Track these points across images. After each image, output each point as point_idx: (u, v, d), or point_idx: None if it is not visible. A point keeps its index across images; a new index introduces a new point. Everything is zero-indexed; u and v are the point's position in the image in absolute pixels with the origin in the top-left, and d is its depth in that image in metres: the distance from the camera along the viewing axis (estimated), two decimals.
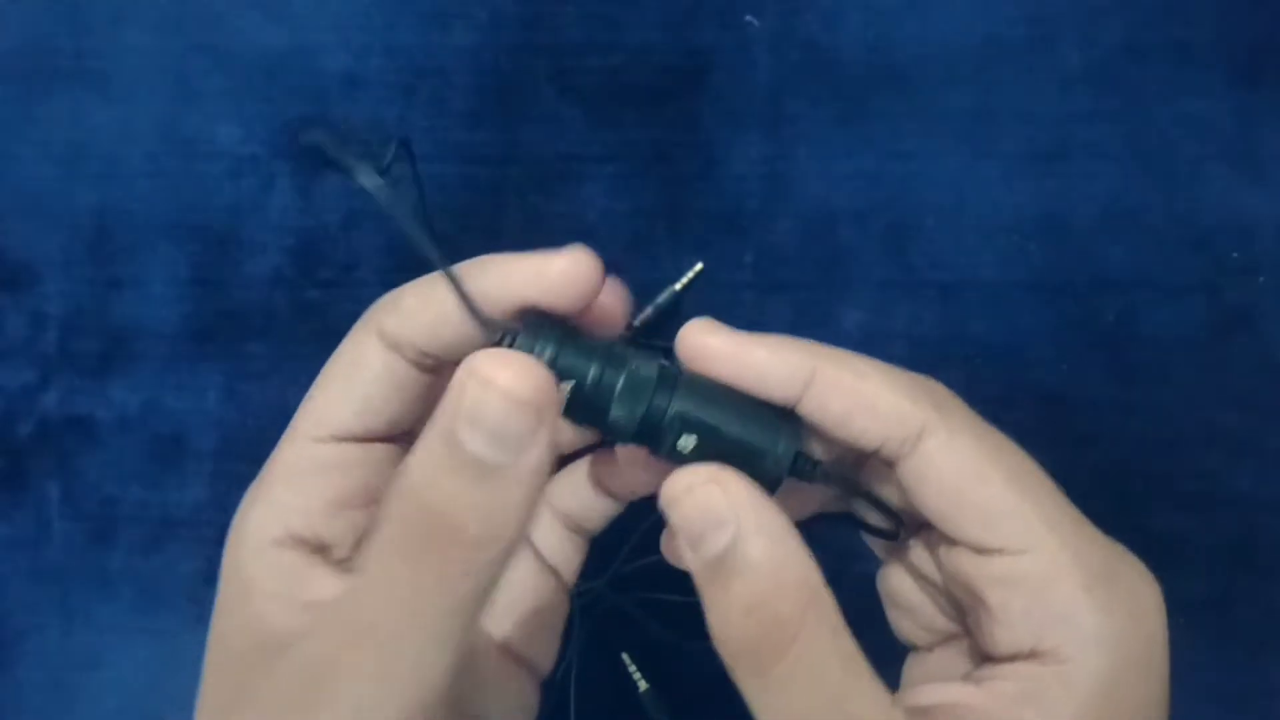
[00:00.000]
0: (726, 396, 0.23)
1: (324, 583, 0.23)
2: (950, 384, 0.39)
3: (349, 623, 0.21)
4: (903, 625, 0.27)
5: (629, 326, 0.39)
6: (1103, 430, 0.39)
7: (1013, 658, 0.22)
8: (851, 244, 0.40)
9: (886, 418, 0.23)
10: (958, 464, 0.23)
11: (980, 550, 0.23)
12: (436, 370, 0.25)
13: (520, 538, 0.21)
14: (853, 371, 0.24)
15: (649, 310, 0.39)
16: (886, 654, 0.25)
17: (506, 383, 0.19)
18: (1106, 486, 0.39)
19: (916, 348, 0.39)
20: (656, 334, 0.40)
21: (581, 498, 0.29)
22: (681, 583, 0.38)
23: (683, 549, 0.22)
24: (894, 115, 0.40)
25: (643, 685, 0.38)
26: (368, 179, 0.22)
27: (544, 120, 0.41)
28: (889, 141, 0.40)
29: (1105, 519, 0.39)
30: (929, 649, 0.26)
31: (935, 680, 0.24)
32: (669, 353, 0.25)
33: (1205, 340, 0.39)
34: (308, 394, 0.25)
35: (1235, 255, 0.39)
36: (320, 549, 0.24)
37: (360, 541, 0.24)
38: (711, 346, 0.24)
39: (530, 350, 0.22)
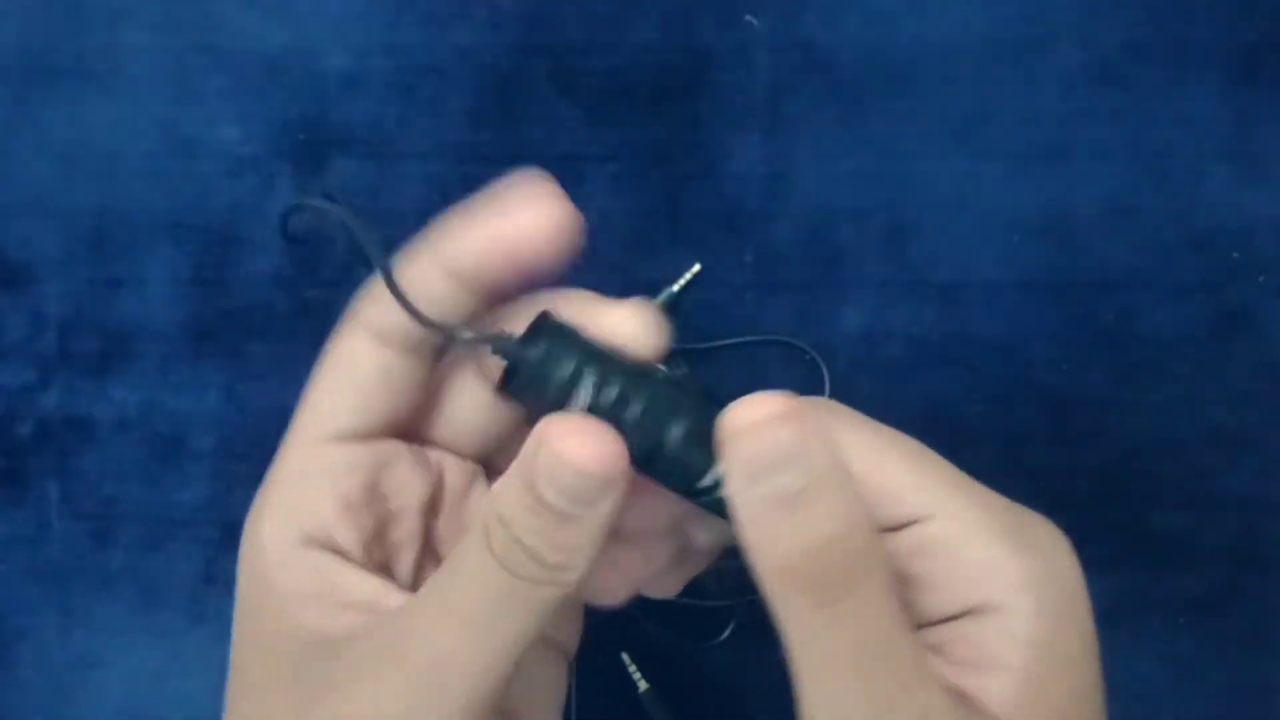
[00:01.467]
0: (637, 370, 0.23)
1: (357, 583, 0.24)
2: (950, 384, 0.39)
3: (437, 608, 0.22)
4: None
5: None
6: (1103, 430, 0.39)
7: (946, 619, 0.23)
8: (851, 244, 0.40)
9: None
10: (852, 456, 0.23)
11: (893, 528, 0.23)
12: (433, 356, 0.25)
13: (588, 572, 0.22)
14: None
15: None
16: None
17: (574, 457, 0.20)
18: (1106, 486, 0.39)
19: (916, 348, 0.40)
20: None
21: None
22: None
23: (734, 480, 0.21)
24: (894, 115, 0.40)
25: (643, 685, 0.38)
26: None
27: (544, 120, 0.41)
28: (888, 141, 0.40)
29: (1105, 519, 0.39)
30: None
31: None
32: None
33: (1205, 340, 0.39)
34: (304, 396, 0.26)
35: (1235, 255, 0.39)
36: (335, 550, 0.24)
37: (368, 542, 0.25)
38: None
39: (537, 355, 0.22)
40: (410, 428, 0.27)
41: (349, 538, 0.24)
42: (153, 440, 0.42)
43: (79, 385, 0.42)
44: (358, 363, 0.25)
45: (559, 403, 0.22)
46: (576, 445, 0.20)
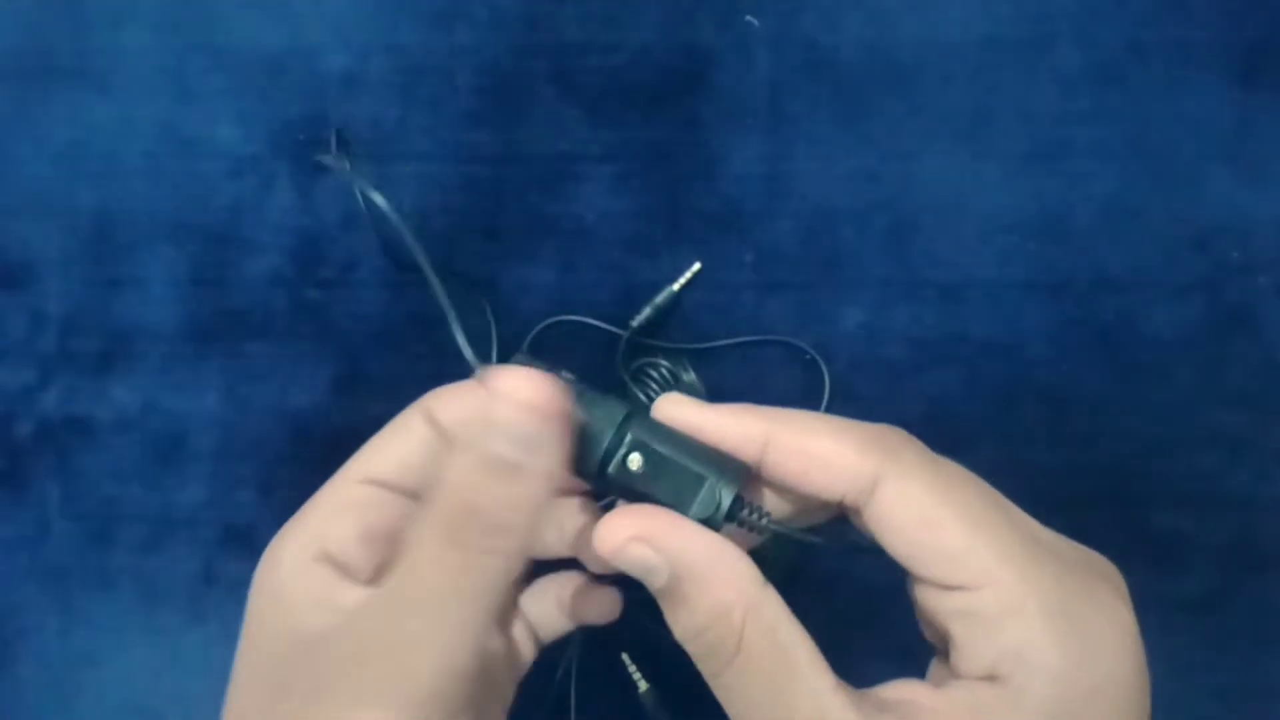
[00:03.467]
0: (683, 438, 0.26)
1: (356, 594, 0.26)
2: (950, 384, 0.39)
3: (395, 598, 0.24)
4: (925, 630, 0.28)
5: (627, 327, 0.39)
6: (1103, 430, 0.39)
7: (972, 678, 0.24)
8: (851, 243, 0.40)
9: (840, 473, 0.25)
10: (910, 510, 0.24)
11: (943, 588, 0.24)
12: None
13: (532, 533, 0.24)
14: (804, 431, 0.26)
15: (648, 310, 0.39)
16: (899, 646, 0.25)
17: (523, 392, 0.23)
18: (1106, 486, 0.39)
19: (916, 348, 0.39)
20: (655, 334, 0.40)
21: (547, 609, 0.33)
22: None
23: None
24: (894, 115, 0.40)
25: (643, 685, 0.38)
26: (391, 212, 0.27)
27: (544, 120, 0.41)
28: (888, 141, 0.40)
29: (1105, 519, 0.39)
30: (934, 662, 0.27)
31: (937, 684, 0.25)
32: (655, 366, 0.27)
33: (1205, 340, 0.39)
34: (359, 451, 0.29)
35: (1235, 255, 0.39)
36: (346, 570, 0.27)
37: (379, 569, 0.28)
38: (677, 418, 0.26)
39: None
40: None
41: (362, 560, 0.27)
42: (153, 440, 0.42)
43: (79, 385, 0.42)
44: (410, 435, 0.29)
45: None
46: (523, 384, 0.23)
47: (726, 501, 0.25)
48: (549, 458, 0.23)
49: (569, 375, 0.26)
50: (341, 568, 0.27)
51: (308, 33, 0.42)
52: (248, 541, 0.41)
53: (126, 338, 0.42)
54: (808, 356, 0.40)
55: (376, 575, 0.28)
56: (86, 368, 0.42)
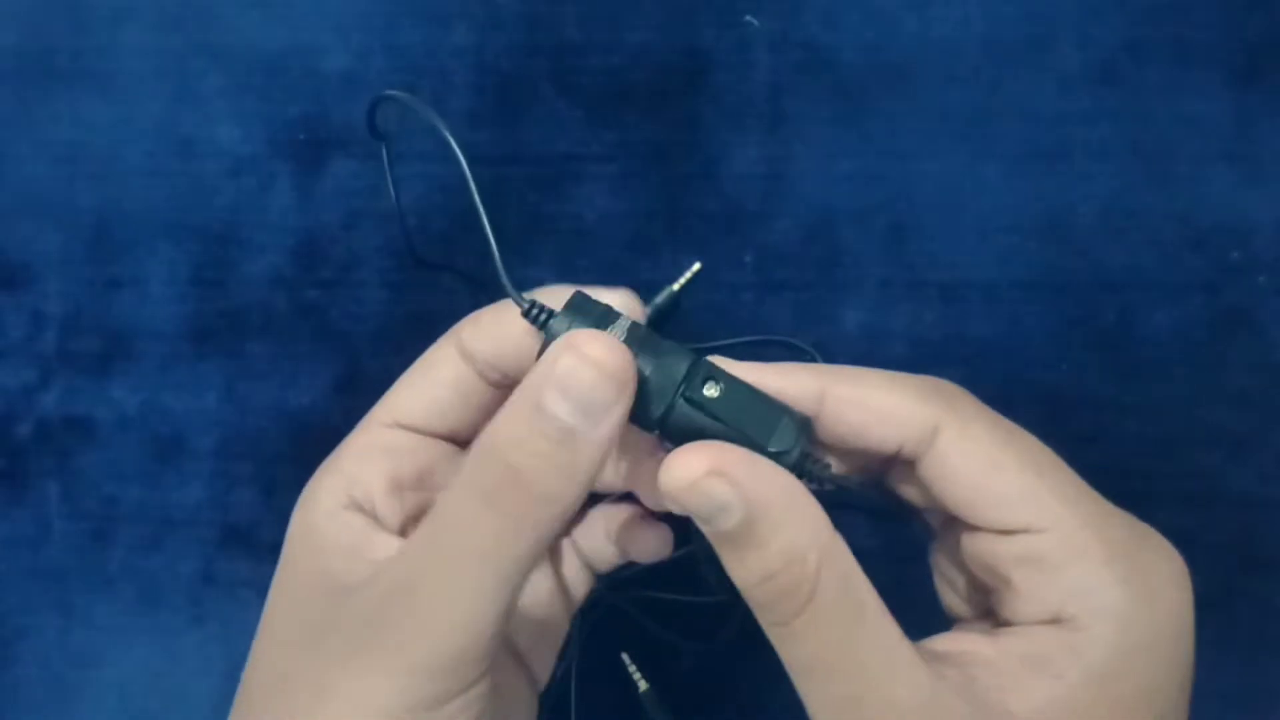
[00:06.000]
0: (746, 383, 0.25)
1: (388, 543, 0.25)
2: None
3: (416, 560, 0.23)
4: (948, 597, 0.28)
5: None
6: (1103, 430, 0.39)
7: (1031, 622, 0.23)
8: (851, 244, 0.40)
9: (901, 423, 0.24)
10: (973, 455, 0.24)
11: (1003, 532, 0.24)
12: (499, 386, 0.27)
13: (578, 505, 0.23)
14: (861, 384, 0.25)
15: (647, 310, 0.39)
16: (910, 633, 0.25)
17: (599, 356, 0.22)
18: (1106, 486, 0.39)
19: (916, 348, 0.39)
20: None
21: (597, 542, 0.32)
22: (681, 583, 0.39)
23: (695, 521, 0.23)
24: (893, 115, 0.40)
25: (643, 685, 0.38)
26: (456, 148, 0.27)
27: (544, 120, 0.41)
28: (889, 141, 0.40)
29: None
30: (970, 622, 0.27)
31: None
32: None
33: (1205, 340, 0.39)
34: (389, 390, 0.28)
35: (1235, 255, 0.39)
36: (375, 518, 0.26)
37: (407, 519, 0.27)
38: (732, 373, 0.25)
39: (564, 326, 0.24)
40: (468, 442, 0.29)
41: (391, 511, 0.26)
42: (153, 440, 0.42)
43: (79, 385, 0.42)
44: (440, 369, 0.27)
45: None
46: (597, 346, 0.22)
47: (801, 443, 0.23)
48: (609, 426, 0.22)
49: (629, 320, 0.25)
50: (373, 518, 0.26)
51: (308, 33, 0.42)
52: (248, 541, 0.41)
53: (126, 338, 0.42)
54: (808, 356, 0.40)
55: (408, 523, 0.27)
56: (86, 368, 0.42)
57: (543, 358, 0.23)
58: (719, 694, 0.39)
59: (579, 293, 0.25)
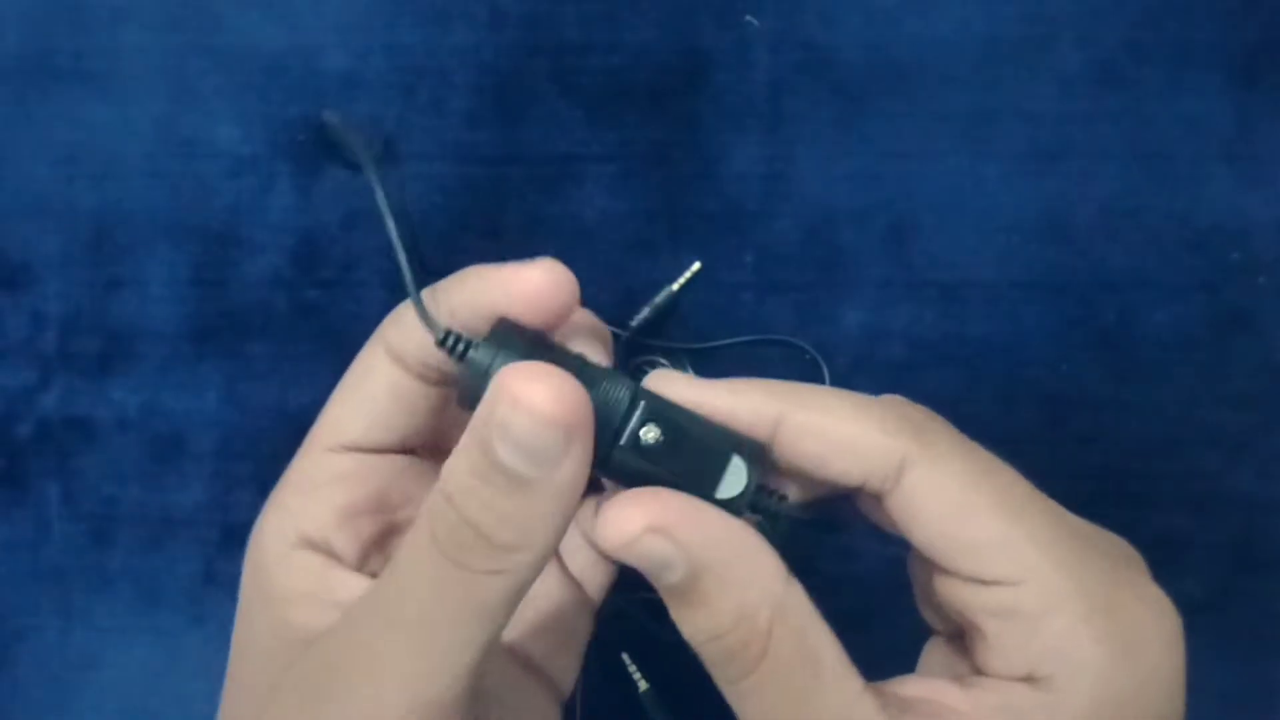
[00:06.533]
0: (693, 414, 0.23)
1: (348, 583, 0.24)
2: (950, 384, 0.39)
3: (376, 615, 0.21)
4: (925, 610, 0.26)
5: (627, 327, 0.39)
6: (1103, 430, 0.39)
7: (1006, 678, 0.22)
8: (851, 244, 0.40)
9: (863, 456, 0.22)
10: (943, 496, 0.22)
11: (977, 581, 0.22)
12: (442, 384, 0.25)
13: (553, 549, 0.21)
14: (821, 410, 0.23)
15: (646, 311, 0.39)
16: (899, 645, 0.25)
17: (535, 400, 0.19)
18: (1106, 486, 0.39)
19: (916, 348, 0.39)
20: (655, 334, 0.40)
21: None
22: None
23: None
24: (893, 115, 0.40)
25: (643, 685, 0.38)
26: (371, 172, 0.23)
27: (544, 120, 0.41)
28: (889, 141, 0.40)
29: (1105, 519, 0.39)
30: (947, 636, 0.26)
31: (938, 673, 0.24)
32: (652, 365, 0.25)
33: (1205, 340, 0.39)
34: (325, 406, 0.26)
35: (1235, 255, 0.39)
36: (330, 554, 0.24)
37: (366, 549, 0.25)
38: (674, 396, 0.23)
39: (487, 359, 0.22)
40: (432, 447, 0.27)
41: (346, 543, 0.25)
42: (153, 440, 0.42)
43: (79, 385, 0.42)
44: (373, 379, 0.25)
45: None
46: (539, 389, 0.19)
47: (754, 482, 0.21)
48: (569, 469, 0.20)
49: (571, 351, 0.23)
50: (327, 554, 0.24)
51: (308, 33, 0.42)
52: (247, 542, 0.41)
53: (126, 338, 0.42)
54: (808, 356, 0.40)
55: (370, 550, 0.25)
56: (86, 368, 0.42)
57: (484, 399, 0.20)
58: (719, 694, 0.39)
59: (503, 320, 0.23)
